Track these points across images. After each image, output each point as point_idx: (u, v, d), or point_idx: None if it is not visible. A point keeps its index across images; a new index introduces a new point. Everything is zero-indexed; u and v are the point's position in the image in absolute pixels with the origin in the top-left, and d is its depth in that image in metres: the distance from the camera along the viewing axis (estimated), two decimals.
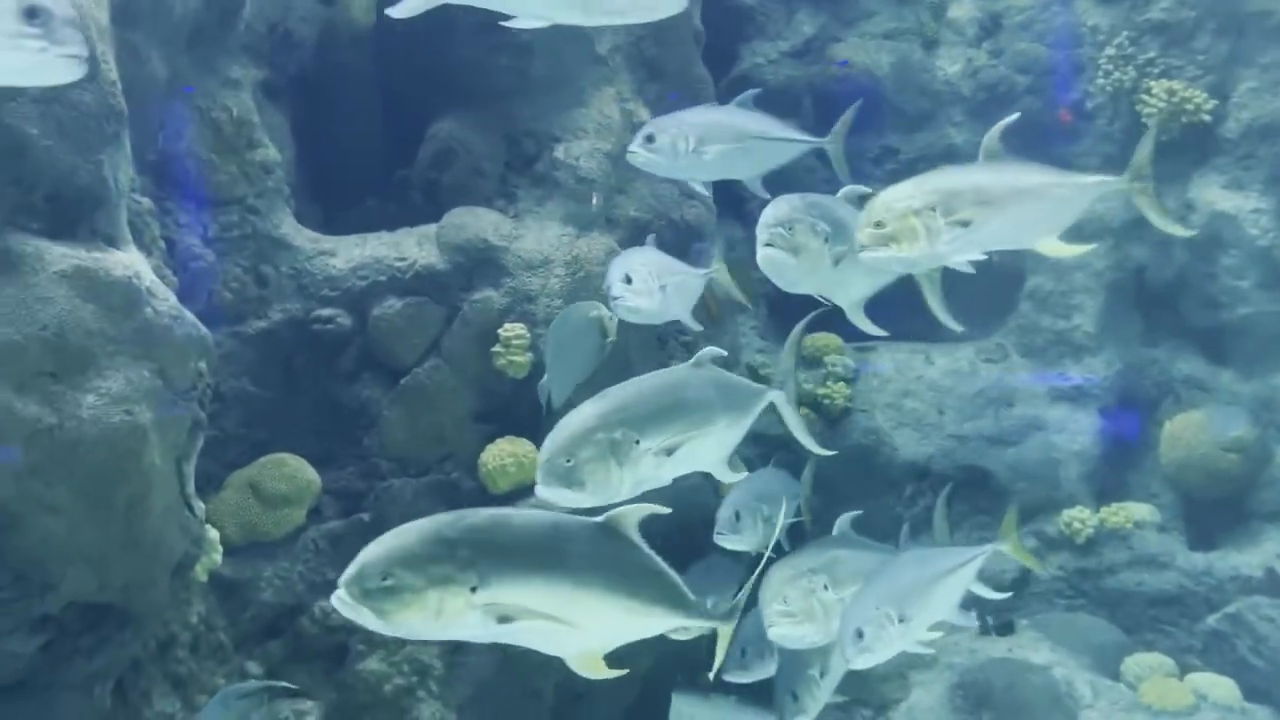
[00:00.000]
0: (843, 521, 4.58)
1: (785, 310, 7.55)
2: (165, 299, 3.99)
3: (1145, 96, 6.37)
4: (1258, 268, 6.18)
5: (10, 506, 3.54)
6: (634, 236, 5.91)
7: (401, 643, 4.97)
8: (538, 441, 5.41)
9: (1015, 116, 3.94)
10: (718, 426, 3.56)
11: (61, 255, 3.67)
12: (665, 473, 3.35)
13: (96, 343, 3.69)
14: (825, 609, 4.07)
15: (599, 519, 2.88)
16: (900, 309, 7.31)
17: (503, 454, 5.35)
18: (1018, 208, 3.67)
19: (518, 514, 2.88)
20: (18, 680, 3.72)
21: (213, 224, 5.27)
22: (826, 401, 6.89)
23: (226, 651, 4.80)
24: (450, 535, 2.66)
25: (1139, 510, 6.40)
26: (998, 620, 6.24)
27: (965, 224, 3.54)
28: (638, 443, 3.23)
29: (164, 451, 3.93)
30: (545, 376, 4.84)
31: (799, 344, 4.11)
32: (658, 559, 2.95)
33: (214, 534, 4.75)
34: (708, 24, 6.64)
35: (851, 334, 7.27)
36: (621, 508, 2.91)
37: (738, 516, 4.77)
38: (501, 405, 5.46)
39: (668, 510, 2.98)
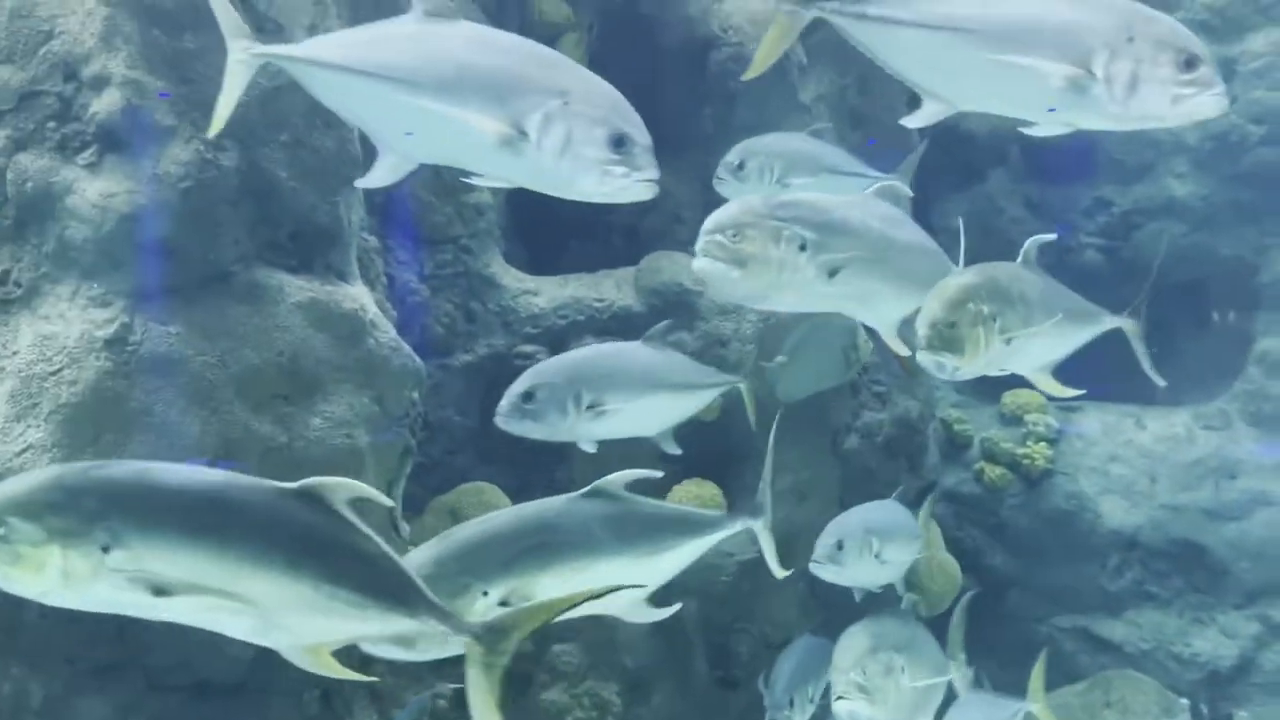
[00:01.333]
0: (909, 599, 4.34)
1: None
2: (386, 331, 4.25)
3: None
4: None
5: None
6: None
7: (583, 675, 5.05)
8: (725, 486, 5.48)
9: (1052, 237, 3.74)
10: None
11: (299, 288, 3.98)
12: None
13: (325, 370, 3.97)
14: (899, 694, 3.80)
15: (290, 485, 2.39)
16: (1110, 366, 6.97)
17: (688, 495, 5.38)
18: (1049, 338, 3.47)
19: (173, 468, 2.42)
20: (238, 682, 4.00)
21: (429, 261, 5.58)
22: (1026, 462, 6.60)
23: (421, 670, 5.01)
24: (72, 483, 2.26)
25: None
26: (1214, 712, 5.77)
27: (1008, 342, 3.29)
28: None
29: (378, 474, 4.17)
30: (778, 361, 4.75)
31: (770, 457, 3.74)
32: (382, 544, 2.43)
33: None
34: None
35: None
36: (322, 479, 2.42)
37: (840, 546, 4.32)
38: (691, 446, 5.51)
39: (363, 488, 2.48)
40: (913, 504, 6.14)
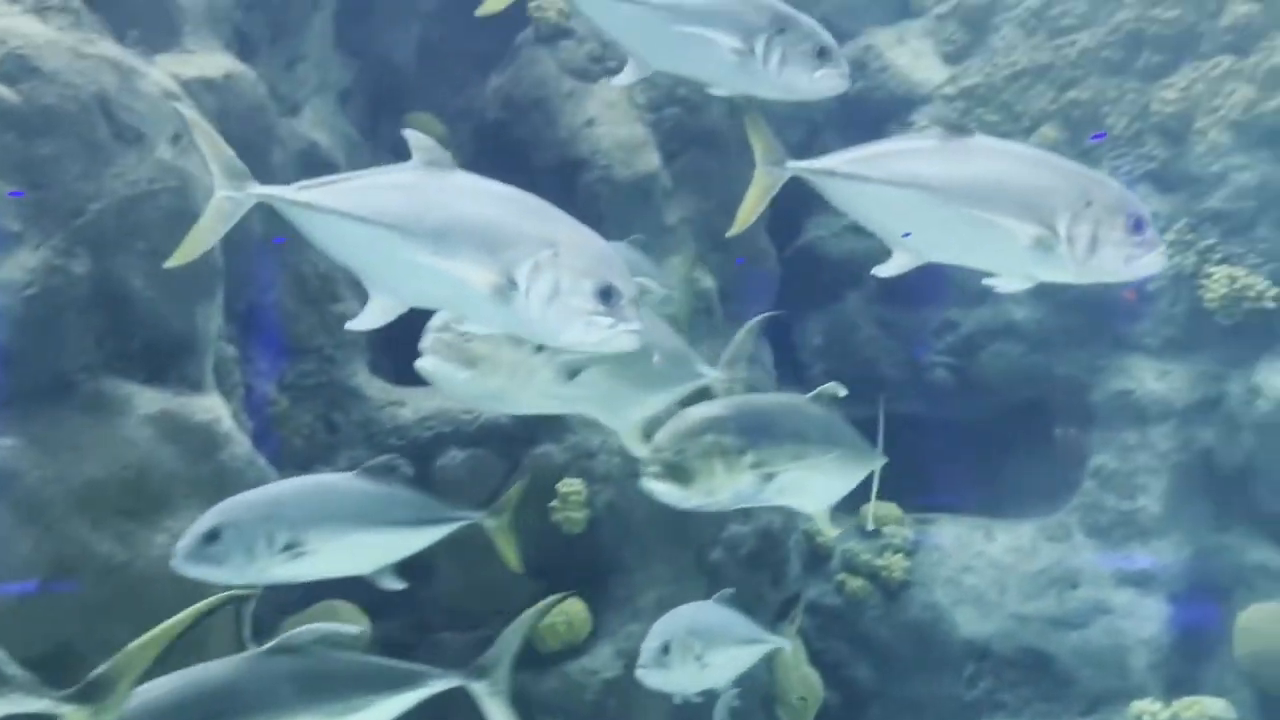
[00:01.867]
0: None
1: None
2: (241, 444, 4.15)
3: (1205, 281, 6.42)
4: None
5: (75, 646, 3.61)
6: (697, 398, 6.00)
7: None
8: (592, 601, 5.44)
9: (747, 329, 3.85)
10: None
11: (150, 399, 3.87)
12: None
13: (174, 484, 3.83)
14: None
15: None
16: (962, 478, 7.28)
17: (554, 613, 5.32)
18: (823, 474, 3.46)
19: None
20: None
21: (290, 371, 5.48)
22: (885, 573, 6.77)
23: None
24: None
25: (1213, 705, 6.09)
26: None
27: (770, 477, 3.28)
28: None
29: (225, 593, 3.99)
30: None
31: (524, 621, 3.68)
32: None
33: None
34: (775, 197, 6.90)
35: (911, 503, 7.28)
36: None
37: (666, 650, 4.09)
38: (557, 561, 5.47)
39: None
40: (778, 616, 6.21)
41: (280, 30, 5.60)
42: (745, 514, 5.98)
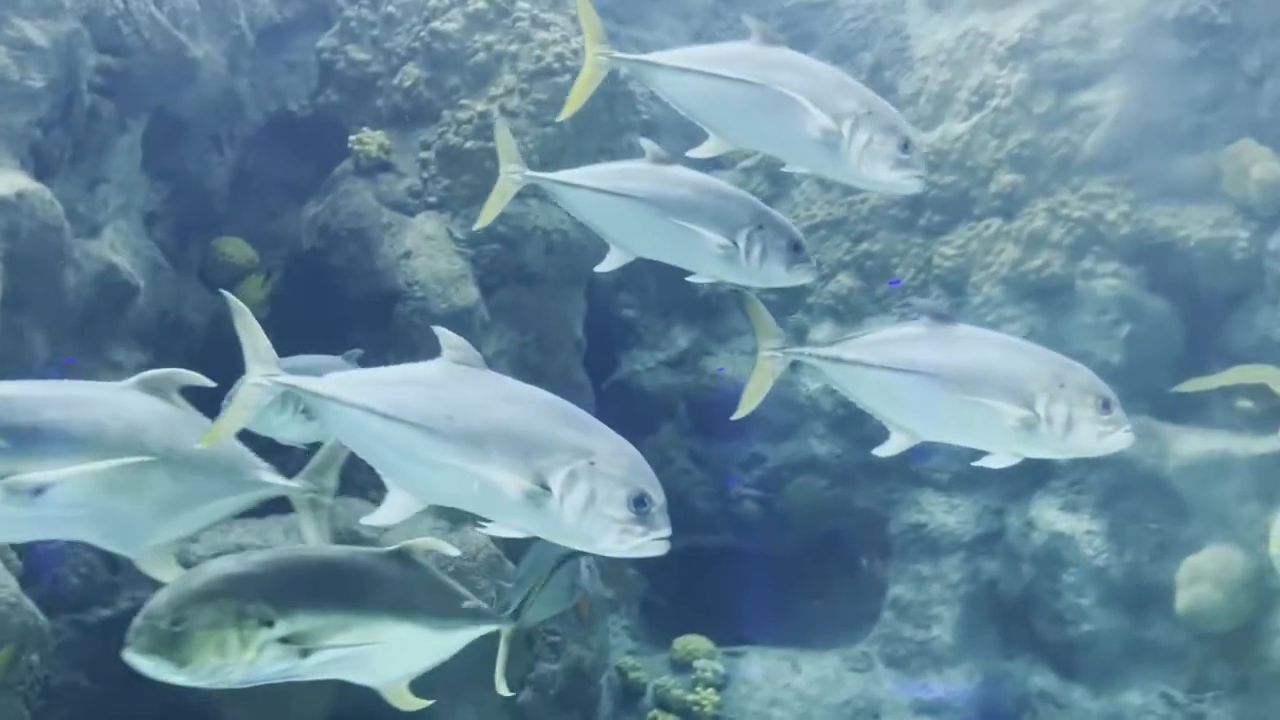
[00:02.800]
0: None
1: (660, 609, 7.56)
2: (6, 585, 3.81)
3: None
4: (1096, 586, 6.54)
5: None
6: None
7: None
8: None
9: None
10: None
11: None
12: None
13: None
14: None
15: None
16: (770, 609, 7.43)
17: None
18: (394, 648, 2.94)
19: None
20: None
21: None
22: (695, 709, 6.76)
23: None
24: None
25: None
26: None
27: (305, 653, 2.71)
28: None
29: None
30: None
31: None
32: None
33: None
34: (591, 330, 7.07)
35: (722, 636, 7.36)
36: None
37: None
38: (365, 704, 5.21)
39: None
40: None
41: (82, 150, 5.43)
42: (556, 651, 5.89)
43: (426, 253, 6.08)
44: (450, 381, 2.88)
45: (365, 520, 2.87)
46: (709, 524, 7.69)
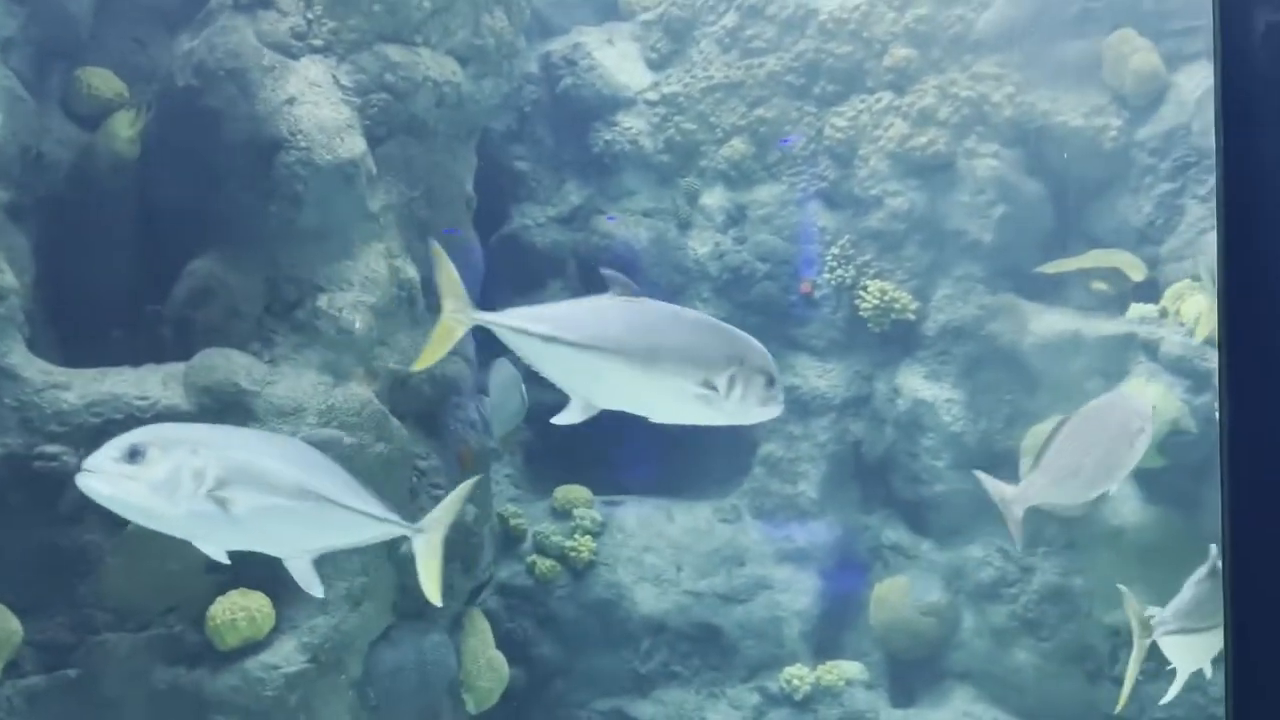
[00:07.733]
0: None
1: (543, 459, 7.80)
2: None
3: (861, 292, 7.22)
4: (951, 450, 7.02)
5: None
6: (394, 388, 6.01)
7: None
8: (274, 596, 5.33)
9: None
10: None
11: None
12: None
13: None
14: None
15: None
16: (650, 460, 7.74)
17: (234, 607, 5.19)
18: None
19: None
20: None
21: None
22: (573, 554, 7.10)
23: None
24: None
25: (850, 669, 6.93)
26: None
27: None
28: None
29: None
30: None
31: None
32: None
33: None
34: (481, 183, 6.98)
35: (602, 486, 7.66)
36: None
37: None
38: (237, 554, 5.32)
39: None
40: (465, 603, 6.38)
41: None
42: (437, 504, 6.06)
43: (311, 100, 5.85)
44: (624, 310, 3.71)
45: (555, 420, 3.80)
46: None
